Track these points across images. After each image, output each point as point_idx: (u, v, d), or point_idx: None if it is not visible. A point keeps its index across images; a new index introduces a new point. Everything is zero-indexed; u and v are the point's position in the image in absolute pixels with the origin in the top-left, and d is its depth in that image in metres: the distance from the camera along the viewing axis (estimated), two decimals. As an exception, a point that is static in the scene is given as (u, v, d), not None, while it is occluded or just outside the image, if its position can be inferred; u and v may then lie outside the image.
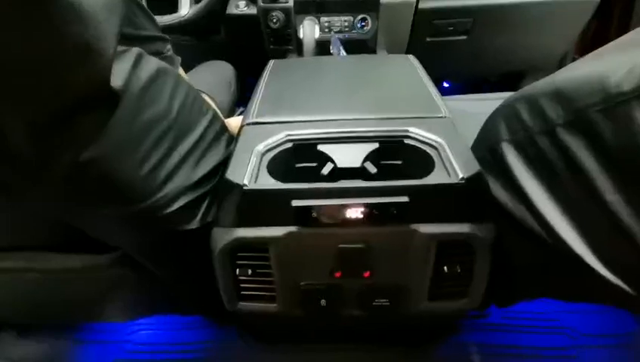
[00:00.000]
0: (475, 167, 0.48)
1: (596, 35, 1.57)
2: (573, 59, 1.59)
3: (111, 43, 0.33)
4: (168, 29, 1.24)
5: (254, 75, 0.77)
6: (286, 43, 1.29)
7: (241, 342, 0.86)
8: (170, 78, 0.46)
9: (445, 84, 1.82)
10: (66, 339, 0.90)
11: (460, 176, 0.47)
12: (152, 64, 0.42)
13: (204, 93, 0.88)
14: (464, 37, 1.32)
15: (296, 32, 1.23)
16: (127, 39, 0.43)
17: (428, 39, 1.34)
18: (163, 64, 0.45)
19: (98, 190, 0.40)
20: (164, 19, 1.15)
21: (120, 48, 0.37)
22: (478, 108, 0.97)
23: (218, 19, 1.29)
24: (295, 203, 0.47)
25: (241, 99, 1.20)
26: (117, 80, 0.36)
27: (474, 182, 0.47)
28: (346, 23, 1.24)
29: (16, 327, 0.90)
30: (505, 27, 1.31)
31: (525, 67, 1.56)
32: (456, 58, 1.44)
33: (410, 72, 0.74)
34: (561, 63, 1.57)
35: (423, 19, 1.26)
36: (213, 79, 1.09)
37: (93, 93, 0.34)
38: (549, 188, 0.45)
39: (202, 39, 1.35)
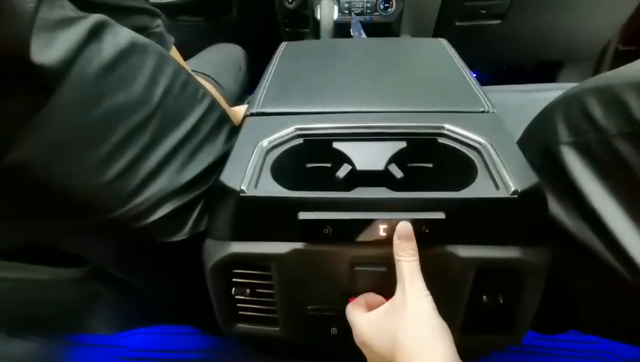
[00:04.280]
0: (531, 177, 0.39)
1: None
2: (616, 50, 1.46)
3: None
4: (175, 8, 1.16)
5: (268, 60, 0.68)
6: (302, 25, 1.19)
7: (241, 352, 0.79)
8: (151, 57, 0.37)
9: (473, 74, 1.68)
10: (58, 340, 0.84)
11: (513, 188, 0.37)
12: (121, 37, 0.33)
13: (207, 76, 0.79)
14: (498, 21, 1.20)
15: (313, 12, 1.14)
16: (96, 7, 0.34)
17: (457, 23, 1.22)
18: (141, 39, 0.36)
19: (39, 202, 0.32)
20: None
21: (70, 14, 0.29)
22: (515, 100, 0.87)
23: (230, -2, 1.19)
24: (302, 215, 0.38)
25: (252, 87, 1.11)
26: (51, 54, 0.27)
27: (530, 197, 0.38)
28: (368, 4, 1.13)
29: (8, 326, 0.85)
30: (545, 9, 1.18)
31: (564, 56, 1.42)
32: (487, 45, 1.31)
33: (443, 57, 0.63)
34: (604, 53, 1.44)
35: (453, 0, 1.14)
36: (220, 62, 0.99)
37: (5, 71, 0.25)
38: (631, 209, 0.35)
39: (212, 20, 1.25)
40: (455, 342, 0.38)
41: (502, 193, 0.37)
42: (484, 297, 0.42)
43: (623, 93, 0.35)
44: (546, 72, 1.47)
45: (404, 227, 0.37)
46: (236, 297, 0.45)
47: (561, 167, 0.41)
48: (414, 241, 0.37)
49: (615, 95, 0.36)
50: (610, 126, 0.36)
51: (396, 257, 0.37)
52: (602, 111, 0.37)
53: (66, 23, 0.28)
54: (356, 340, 0.39)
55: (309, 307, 0.45)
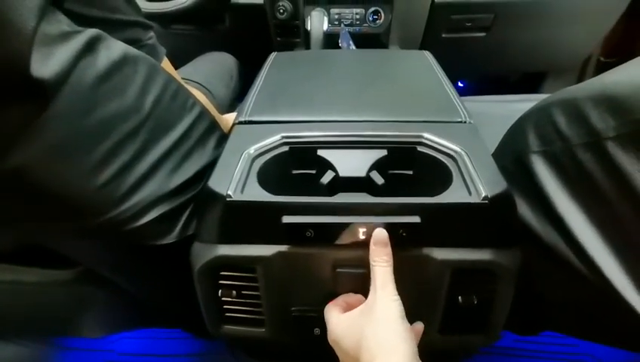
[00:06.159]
0: (501, 184, 0.41)
1: (625, 35, 1.47)
2: (598, 62, 1.51)
3: (29, 16, 0.26)
4: (170, 16, 1.18)
5: (260, 69, 0.70)
6: (293, 35, 1.22)
7: (231, 356, 0.79)
8: (142, 68, 0.39)
9: (460, 84, 1.73)
10: (47, 344, 0.84)
11: (483, 194, 0.39)
12: (114, 50, 0.35)
13: (199, 84, 0.81)
14: (483, 34, 1.24)
15: (304, 23, 1.16)
16: (92, 22, 0.36)
17: (444, 35, 1.25)
18: (133, 51, 0.38)
19: (35, 204, 0.34)
20: (162, 6, 1.07)
21: (67, 29, 0.30)
22: (499, 110, 0.90)
23: (223, 8, 1.22)
24: (286, 219, 0.40)
25: (243, 95, 1.13)
26: (49, 67, 0.29)
27: (500, 202, 0.40)
28: (358, 16, 1.16)
29: (-5, 330, 0.85)
30: (528, 23, 1.22)
31: (547, 67, 1.46)
32: (473, 56, 1.35)
33: (425, 69, 0.66)
34: (585, 65, 1.49)
35: (440, 13, 1.18)
36: (212, 71, 1.01)
37: (6, 84, 0.27)
38: (592, 213, 0.38)
39: (205, 29, 1.27)
40: (433, 343, 0.40)
41: (474, 198, 0.40)
42: (459, 298, 0.44)
43: (585, 105, 0.37)
44: (530, 84, 1.52)
45: (380, 234, 0.39)
46: (223, 299, 0.47)
47: (531, 175, 0.44)
48: (389, 248, 0.39)
49: (578, 107, 0.38)
50: (573, 136, 0.38)
51: (371, 262, 0.39)
52: (566, 122, 0.40)
53: (63, 37, 0.30)
54: (329, 339, 0.40)
55: (293, 308, 0.47)
